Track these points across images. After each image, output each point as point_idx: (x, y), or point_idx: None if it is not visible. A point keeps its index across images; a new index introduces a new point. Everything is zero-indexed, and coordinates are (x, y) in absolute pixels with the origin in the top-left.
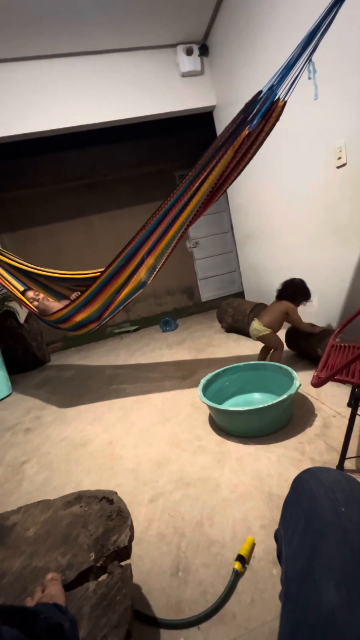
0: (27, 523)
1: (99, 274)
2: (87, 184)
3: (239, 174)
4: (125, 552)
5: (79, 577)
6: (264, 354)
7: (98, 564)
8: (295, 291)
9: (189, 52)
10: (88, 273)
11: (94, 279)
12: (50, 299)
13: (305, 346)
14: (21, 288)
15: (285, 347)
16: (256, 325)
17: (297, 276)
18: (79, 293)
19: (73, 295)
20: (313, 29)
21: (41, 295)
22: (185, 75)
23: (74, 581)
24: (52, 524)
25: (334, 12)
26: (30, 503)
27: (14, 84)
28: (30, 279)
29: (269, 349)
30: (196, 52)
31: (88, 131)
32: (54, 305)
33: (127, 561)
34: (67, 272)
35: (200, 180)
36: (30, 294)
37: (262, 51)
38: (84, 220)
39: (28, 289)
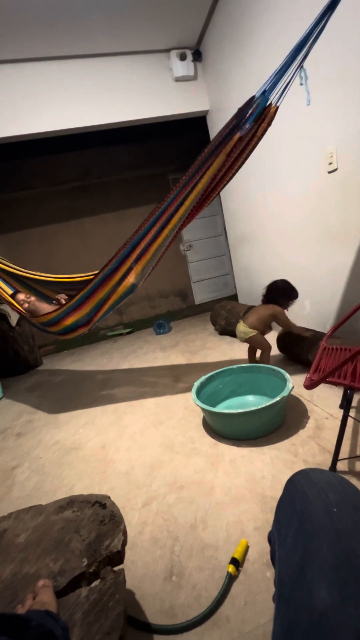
0: (17, 529)
1: (91, 276)
2: (80, 186)
3: (230, 178)
4: (118, 557)
5: (71, 583)
6: (251, 355)
7: (90, 570)
8: (280, 293)
9: (183, 57)
10: (78, 276)
11: (85, 282)
12: (42, 302)
13: (297, 350)
14: (10, 291)
15: (278, 352)
16: (242, 328)
17: (290, 279)
18: (67, 297)
19: (62, 299)
20: (304, 37)
21: (32, 298)
22: (178, 79)
23: (65, 587)
24: (44, 529)
25: (324, 20)
26: (21, 509)
27: (8, 85)
28: (20, 283)
29: (255, 349)
30: (189, 57)
31: (82, 134)
32: (45, 307)
33: (120, 566)
34: (58, 276)
35: (192, 184)
36: (21, 296)
37: (254, 57)
38: (77, 223)
39: (17, 292)
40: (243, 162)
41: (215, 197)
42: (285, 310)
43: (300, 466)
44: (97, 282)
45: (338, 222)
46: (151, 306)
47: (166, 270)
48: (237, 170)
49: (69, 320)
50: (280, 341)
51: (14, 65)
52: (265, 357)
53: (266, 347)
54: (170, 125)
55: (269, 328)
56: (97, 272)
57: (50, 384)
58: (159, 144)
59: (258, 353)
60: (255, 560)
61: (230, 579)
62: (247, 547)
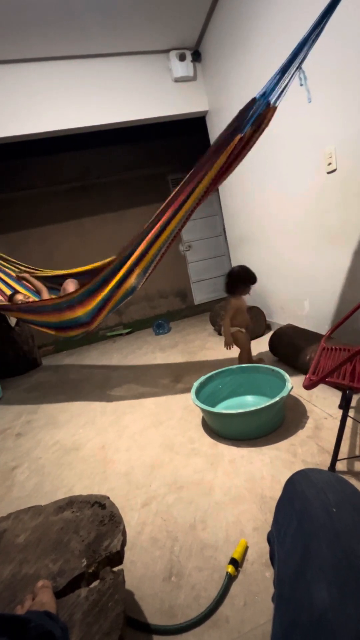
0: (17, 529)
1: (93, 268)
2: (80, 186)
3: (226, 177)
4: (117, 557)
5: (70, 584)
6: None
7: (90, 570)
8: (235, 280)
9: (182, 58)
10: (77, 271)
11: (84, 272)
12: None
13: (287, 353)
14: (8, 292)
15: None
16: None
17: (290, 279)
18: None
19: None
20: (304, 38)
21: (31, 299)
22: (178, 80)
23: (65, 588)
24: (43, 530)
25: (324, 22)
26: (21, 509)
27: (8, 85)
28: (19, 284)
29: (249, 350)
30: (189, 57)
31: (82, 134)
32: (75, 286)
33: (120, 566)
34: (57, 271)
35: (193, 187)
36: (19, 297)
37: (254, 57)
38: (76, 223)
39: (16, 292)
40: (239, 162)
41: (209, 197)
42: (247, 295)
43: (299, 466)
44: (101, 280)
45: (337, 222)
46: (150, 306)
47: (165, 271)
48: (232, 170)
49: (74, 314)
50: (272, 342)
51: (14, 65)
52: (240, 356)
53: (240, 346)
54: (170, 125)
55: (238, 321)
56: (98, 264)
57: (49, 384)
58: (159, 144)
59: (254, 352)
60: (254, 561)
61: (230, 579)
62: (247, 548)
